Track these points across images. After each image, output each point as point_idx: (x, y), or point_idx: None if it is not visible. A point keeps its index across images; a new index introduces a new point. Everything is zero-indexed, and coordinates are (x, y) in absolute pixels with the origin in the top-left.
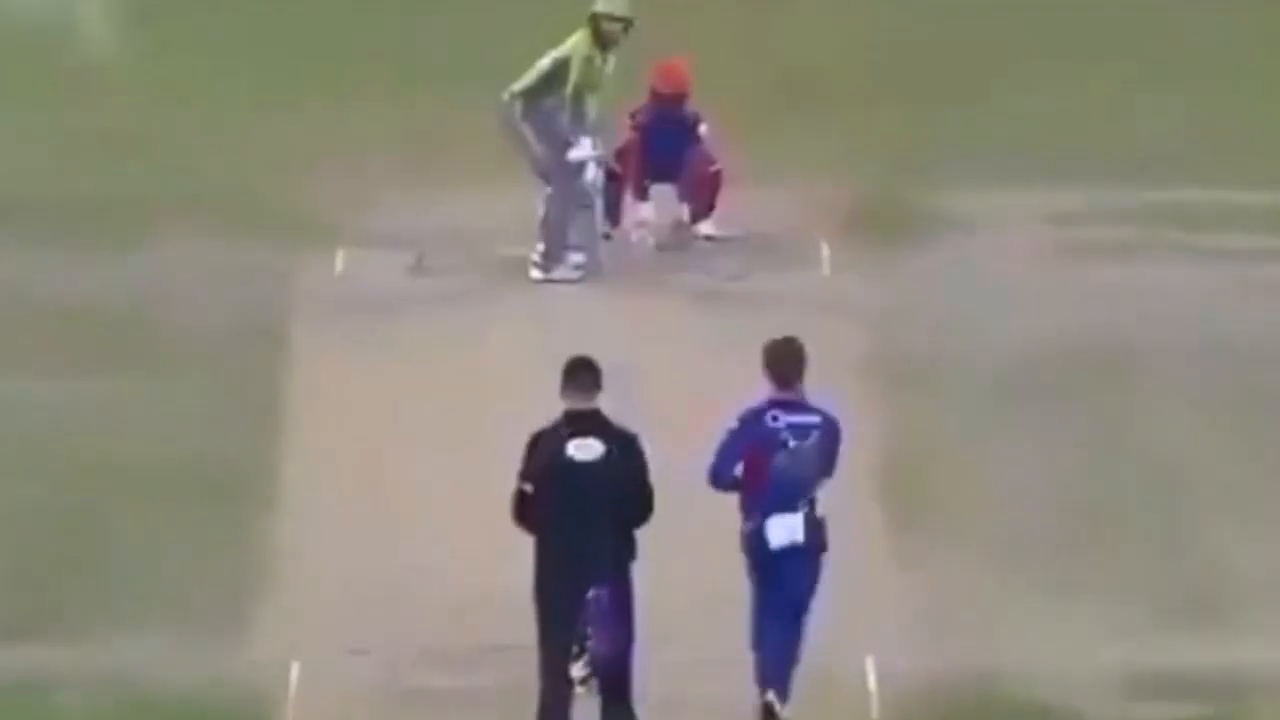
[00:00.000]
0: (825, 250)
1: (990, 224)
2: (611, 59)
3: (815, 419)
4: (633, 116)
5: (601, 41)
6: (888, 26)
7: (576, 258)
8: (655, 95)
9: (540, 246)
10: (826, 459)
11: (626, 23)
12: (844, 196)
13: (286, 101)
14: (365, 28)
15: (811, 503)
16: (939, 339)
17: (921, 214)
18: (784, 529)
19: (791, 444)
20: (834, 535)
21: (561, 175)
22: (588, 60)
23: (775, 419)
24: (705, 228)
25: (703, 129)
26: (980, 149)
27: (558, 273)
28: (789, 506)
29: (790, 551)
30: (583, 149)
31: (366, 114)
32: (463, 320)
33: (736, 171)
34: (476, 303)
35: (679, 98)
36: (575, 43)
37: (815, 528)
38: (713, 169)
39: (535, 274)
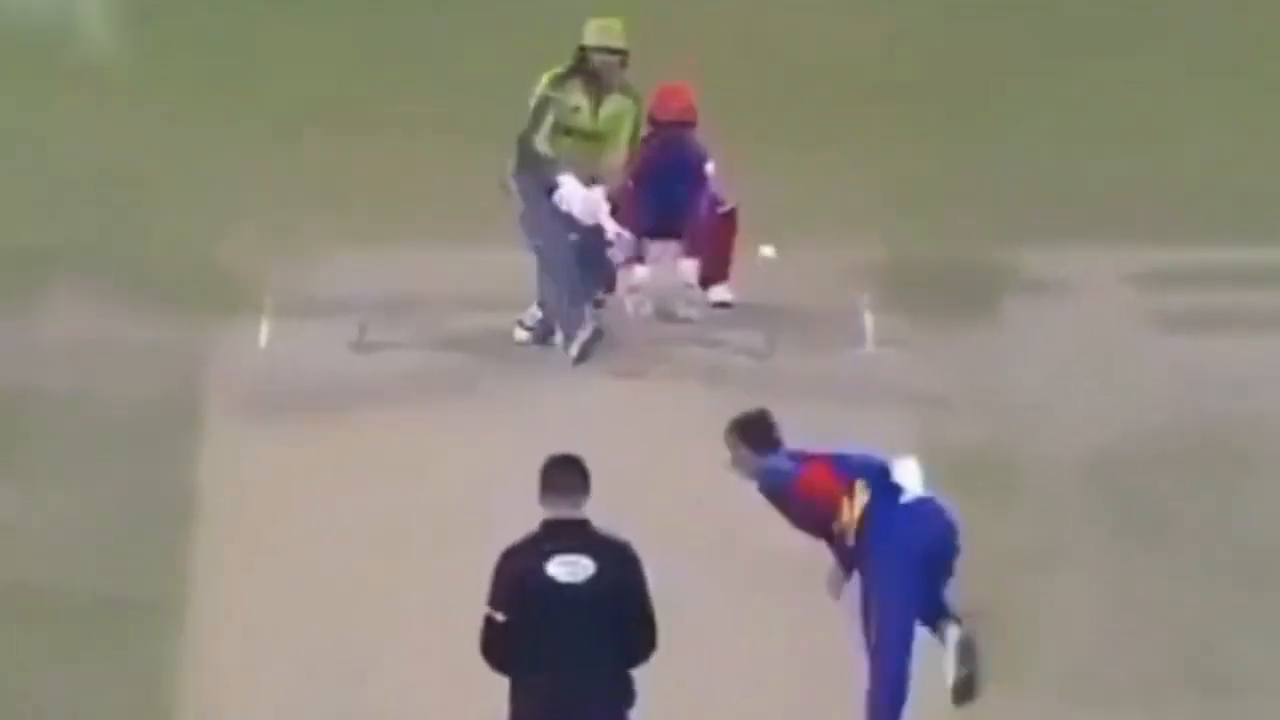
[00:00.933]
0: (868, 320)
1: (1065, 287)
2: (609, 101)
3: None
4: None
5: (595, 80)
6: (935, 44)
7: (584, 333)
8: (654, 125)
9: (536, 312)
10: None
11: (621, 55)
12: (889, 254)
13: (222, 136)
14: (333, 54)
15: None
16: (1006, 429)
17: (982, 275)
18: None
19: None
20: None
21: (539, 239)
22: (554, 103)
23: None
24: (719, 293)
25: (709, 168)
26: (1050, 195)
27: (571, 345)
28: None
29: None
30: (570, 190)
31: (314, 150)
32: (416, 407)
33: (755, 221)
34: (434, 385)
35: (684, 127)
36: (545, 79)
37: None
38: (722, 211)
39: (520, 335)
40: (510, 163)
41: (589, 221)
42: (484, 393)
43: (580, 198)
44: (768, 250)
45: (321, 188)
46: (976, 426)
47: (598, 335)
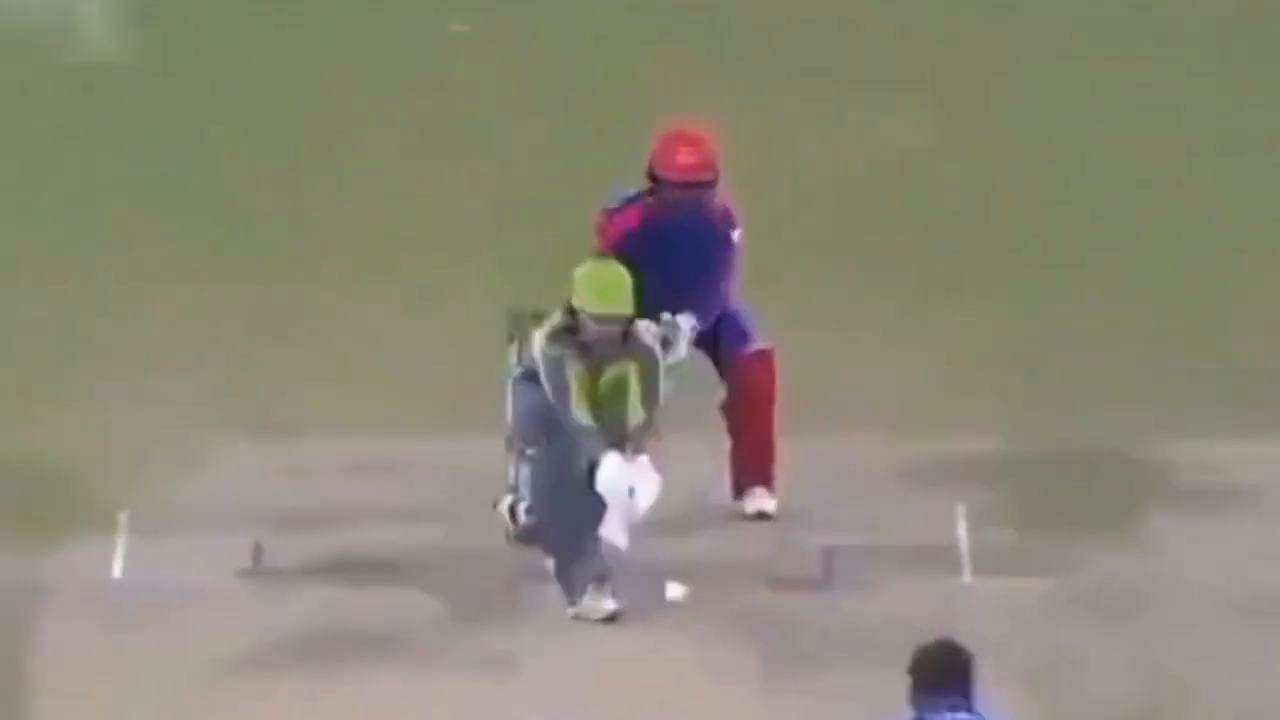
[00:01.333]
0: (962, 537)
1: (1236, 494)
2: (610, 369)
3: None
4: (609, 215)
5: (592, 346)
6: (1060, 147)
7: (608, 604)
8: (661, 185)
9: (511, 501)
10: None
11: (622, 321)
12: (993, 446)
13: (63, 292)
14: (222, 195)
15: None
16: (1162, 690)
17: (1123, 478)
18: None
19: None
20: None
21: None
22: (557, 362)
23: None
24: (759, 501)
25: (736, 235)
26: (1214, 367)
27: (582, 605)
28: None
29: None
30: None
31: (189, 311)
32: (337, 663)
33: (810, 400)
34: (362, 630)
35: (701, 186)
36: (544, 339)
37: None
38: (753, 349)
39: (502, 507)
40: (510, 358)
41: (621, 501)
42: (432, 642)
43: (609, 481)
44: (676, 592)
45: (200, 359)
46: (1120, 689)
47: (614, 618)
